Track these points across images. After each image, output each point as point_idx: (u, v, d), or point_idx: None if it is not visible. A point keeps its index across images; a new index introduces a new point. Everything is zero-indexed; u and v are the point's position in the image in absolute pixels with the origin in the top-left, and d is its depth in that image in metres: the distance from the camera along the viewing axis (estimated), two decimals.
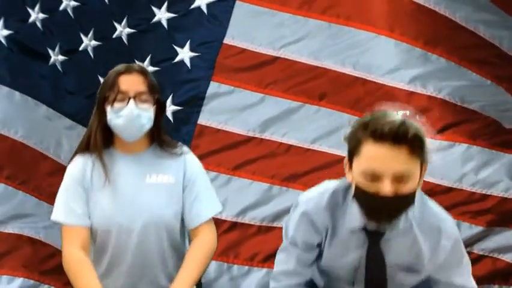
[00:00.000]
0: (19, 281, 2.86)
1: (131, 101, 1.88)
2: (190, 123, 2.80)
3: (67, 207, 1.93)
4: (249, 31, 2.82)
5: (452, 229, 1.67)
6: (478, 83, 2.73)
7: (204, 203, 2.01)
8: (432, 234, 1.64)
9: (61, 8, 3.04)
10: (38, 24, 3.08)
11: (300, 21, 2.78)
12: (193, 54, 2.86)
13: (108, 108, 1.91)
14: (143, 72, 1.95)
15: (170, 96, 2.84)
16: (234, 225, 2.75)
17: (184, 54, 2.86)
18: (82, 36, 3.02)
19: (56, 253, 2.91)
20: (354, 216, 1.62)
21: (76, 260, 1.91)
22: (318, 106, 2.78)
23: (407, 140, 1.46)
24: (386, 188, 1.47)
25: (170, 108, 2.82)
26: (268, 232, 2.75)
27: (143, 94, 1.91)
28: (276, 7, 2.80)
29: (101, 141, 1.94)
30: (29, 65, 3.08)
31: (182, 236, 2.05)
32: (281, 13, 2.80)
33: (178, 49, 2.87)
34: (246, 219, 2.79)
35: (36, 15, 3.08)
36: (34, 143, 3.01)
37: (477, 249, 2.66)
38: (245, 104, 2.83)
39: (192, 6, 2.86)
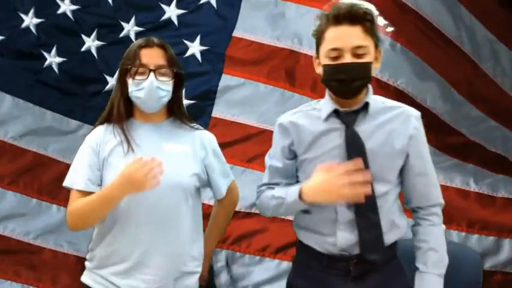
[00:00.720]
0: (7, 284, 2.78)
1: (151, 74, 1.92)
2: (204, 116, 2.79)
3: (78, 174, 1.95)
4: (256, 23, 2.87)
5: (420, 117, 1.87)
6: (461, 103, 2.85)
7: (227, 171, 2.14)
8: (403, 115, 1.85)
9: (59, 11, 2.99)
10: (32, 28, 3.01)
11: (301, 10, 2.84)
12: (203, 48, 2.88)
13: (129, 81, 1.95)
14: (163, 46, 1.99)
15: (183, 91, 2.78)
16: (247, 215, 2.71)
17: (195, 48, 2.88)
18: (84, 37, 2.97)
19: (46, 253, 2.87)
20: (325, 105, 1.84)
21: (76, 203, 1.91)
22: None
23: (360, 19, 1.74)
24: (347, 60, 1.74)
25: (183, 102, 2.77)
26: (281, 224, 2.67)
27: (162, 67, 1.95)
28: None
29: (124, 112, 1.99)
30: (22, 68, 2.99)
31: (197, 207, 2.02)
32: (284, 3, 2.86)
33: (188, 43, 2.89)
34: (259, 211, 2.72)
35: (30, 20, 3.01)
36: (26, 144, 2.93)
37: (488, 266, 2.63)
38: (257, 95, 2.84)
39: (202, 1, 2.91)
